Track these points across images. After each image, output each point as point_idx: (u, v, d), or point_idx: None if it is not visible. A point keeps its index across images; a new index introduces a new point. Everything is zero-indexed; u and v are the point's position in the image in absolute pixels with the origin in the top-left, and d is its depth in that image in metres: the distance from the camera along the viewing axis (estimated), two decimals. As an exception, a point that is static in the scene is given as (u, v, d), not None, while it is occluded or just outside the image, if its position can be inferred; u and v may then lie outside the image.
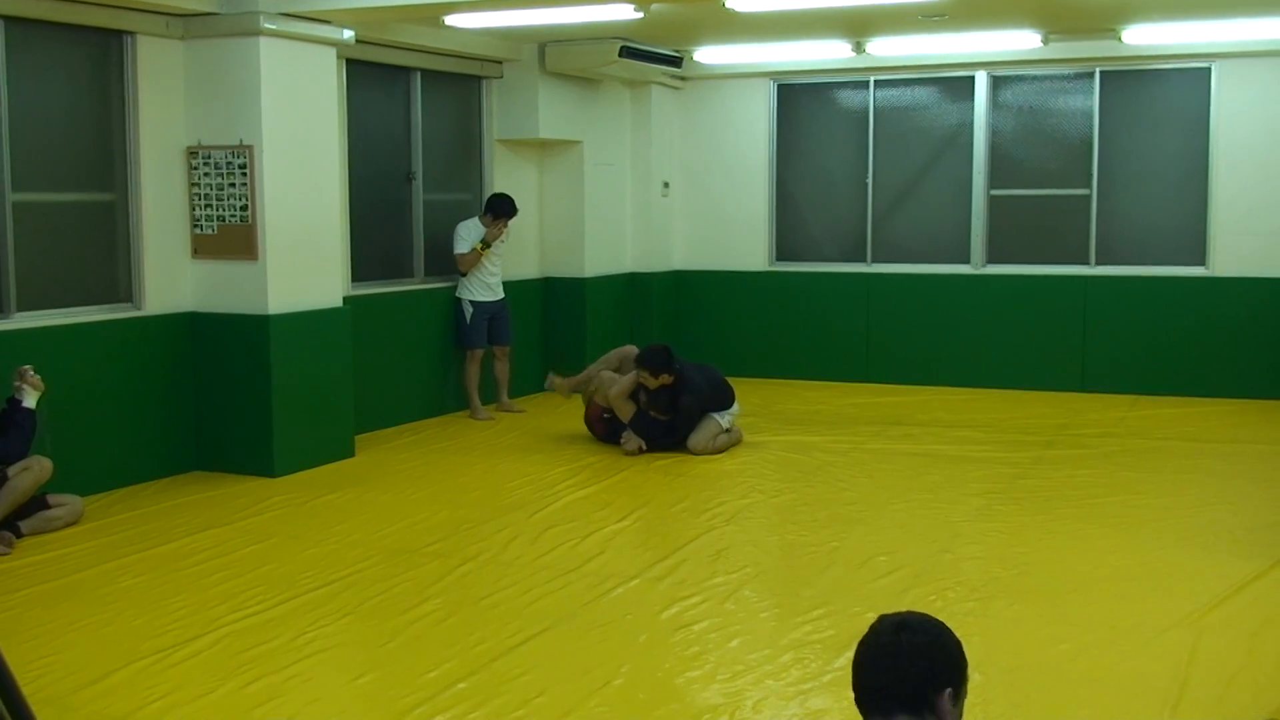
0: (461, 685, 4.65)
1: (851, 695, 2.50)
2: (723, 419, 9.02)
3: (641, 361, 8.86)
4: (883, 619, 2.50)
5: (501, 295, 10.46)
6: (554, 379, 9.78)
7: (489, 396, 10.57)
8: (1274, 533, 6.66)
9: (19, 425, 6.75)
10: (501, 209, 10.20)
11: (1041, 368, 11.40)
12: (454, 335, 10.41)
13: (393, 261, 10.19)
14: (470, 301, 10.27)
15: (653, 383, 8.79)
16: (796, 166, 12.37)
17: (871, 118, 11.94)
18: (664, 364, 8.78)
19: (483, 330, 10.34)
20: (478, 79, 10.87)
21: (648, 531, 6.93)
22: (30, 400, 6.80)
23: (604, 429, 9.19)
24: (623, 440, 8.91)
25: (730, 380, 9.38)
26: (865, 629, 2.54)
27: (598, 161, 11.75)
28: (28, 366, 6.85)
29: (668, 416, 8.84)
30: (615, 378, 9.18)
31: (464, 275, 10.25)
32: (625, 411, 8.97)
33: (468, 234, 10.19)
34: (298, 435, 8.34)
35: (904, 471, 8.33)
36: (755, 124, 12.37)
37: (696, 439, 8.87)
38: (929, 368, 11.75)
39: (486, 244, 10.14)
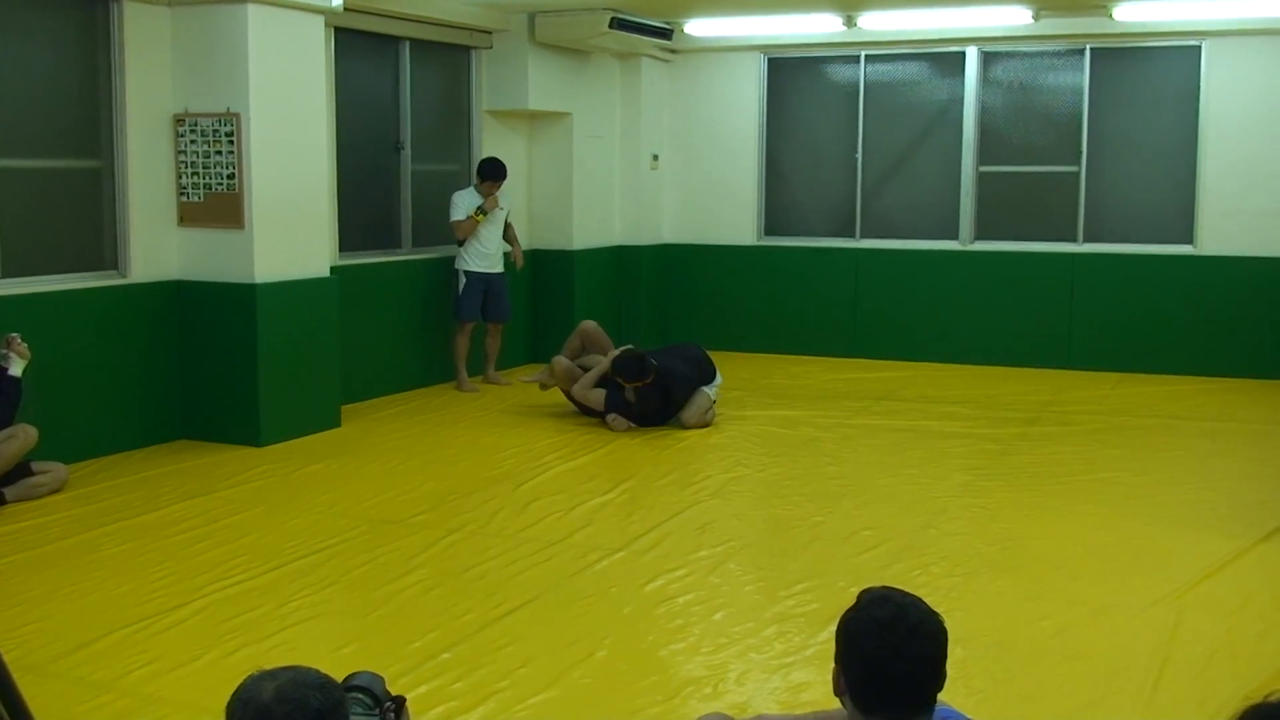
0: (445, 655, 4.66)
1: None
2: (711, 391, 9.02)
3: (617, 373, 8.80)
4: (881, 618, 2.39)
5: (500, 269, 10.40)
6: (524, 380, 9.79)
7: (477, 368, 10.55)
8: (1257, 511, 6.69)
9: (4, 393, 6.74)
10: (490, 172, 10.15)
11: (1028, 344, 11.41)
12: (450, 305, 10.39)
13: (380, 231, 10.16)
14: (464, 272, 10.23)
15: (631, 392, 8.76)
16: (786, 141, 12.35)
17: (862, 92, 11.91)
18: (638, 370, 8.71)
19: (476, 302, 10.29)
20: (467, 49, 10.82)
21: (633, 504, 6.93)
22: (16, 369, 6.79)
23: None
24: (609, 421, 8.88)
25: (718, 354, 9.37)
26: (849, 603, 2.50)
27: (587, 133, 11.71)
28: (15, 335, 6.83)
29: (657, 408, 8.83)
30: (572, 368, 9.17)
31: (460, 244, 10.22)
32: (596, 400, 8.95)
33: (463, 201, 10.16)
34: (284, 405, 8.33)
35: (889, 447, 8.35)
36: (745, 97, 12.34)
37: (690, 413, 8.86)
38: (916, 343, 11.76)
39: (484, 211, 10.11)
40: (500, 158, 10.39)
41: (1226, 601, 5.31)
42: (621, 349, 9.10)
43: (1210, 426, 9.00)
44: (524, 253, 10.83)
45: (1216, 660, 4.65)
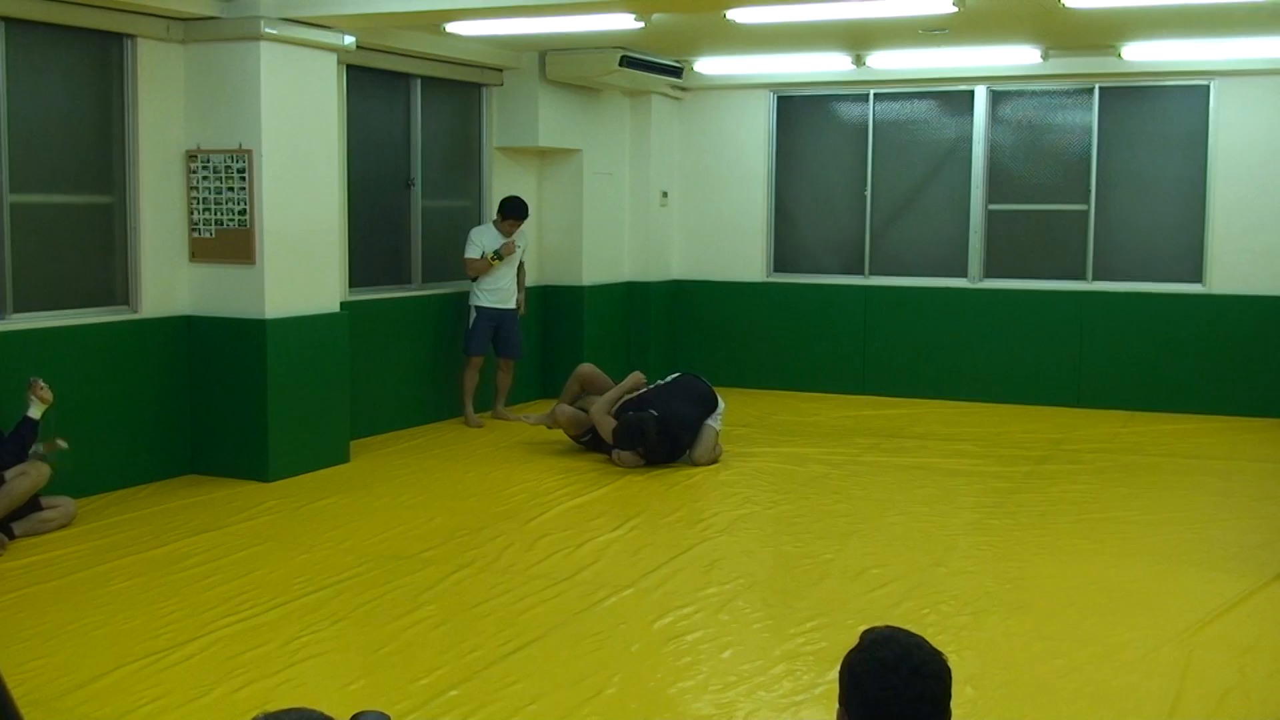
0: (453, 692, 4.64)
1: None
2: (715, 422, 9.00)
3: (620, 445, 8.78)
4: (884, 658, 2.37)
5: (511, 306, 10.42)
6: (528, 420, 9.78)
7: (486, 404, 10.56)
8: (1267, 551, 6.66)
9: (18, 434, 6.76)
10: (512, 211, 10.19)
11: (1037, 382, 11.40)
12: (461, 340, 10.42)
13: (390, 268, 10.19)
14: (475, 307, 10.26)
15: (642, 450, 8.76)
16: (795, 178, 12.38)
17: (871, 131, 11.95)
18: (639, 437, 8.67)
19: (485, 337, 10.31)
20: (478, 86, 10.88)
21: (642, 541, 6.92)
22: (36, 411, 6.80)
23: (593, 444, 9.16)
24: (616, 457, 8.81)
25: (726, 390, 9.35)
26: (857, 643, 2.49)
27: (597, 170, 11.75)
28: (38, 378, 6.84)
29: (666, 455, 8.82)
30: (576, 413, 9.19)
31: (473, 280, 10.25)
32: (606, 427, 8.92)
33: (479, 239, 10.18)
34: (293, 440, 8.33)
35: (899, 484, 8.33)
36: (754, 135, 12.38)
37: (699, 451, 8.85)
38: (925, 381, 11.75)
39: (500, 256, 10.13)
40: (512, 195, 10.42)
41: (1238, 641, 5.28)
42: (622, 399, 9.04)
43: (1220, 465, 8.97)
44: (533, 289, 10.86)
45: (1229, 700, 4.62)
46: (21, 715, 2.22)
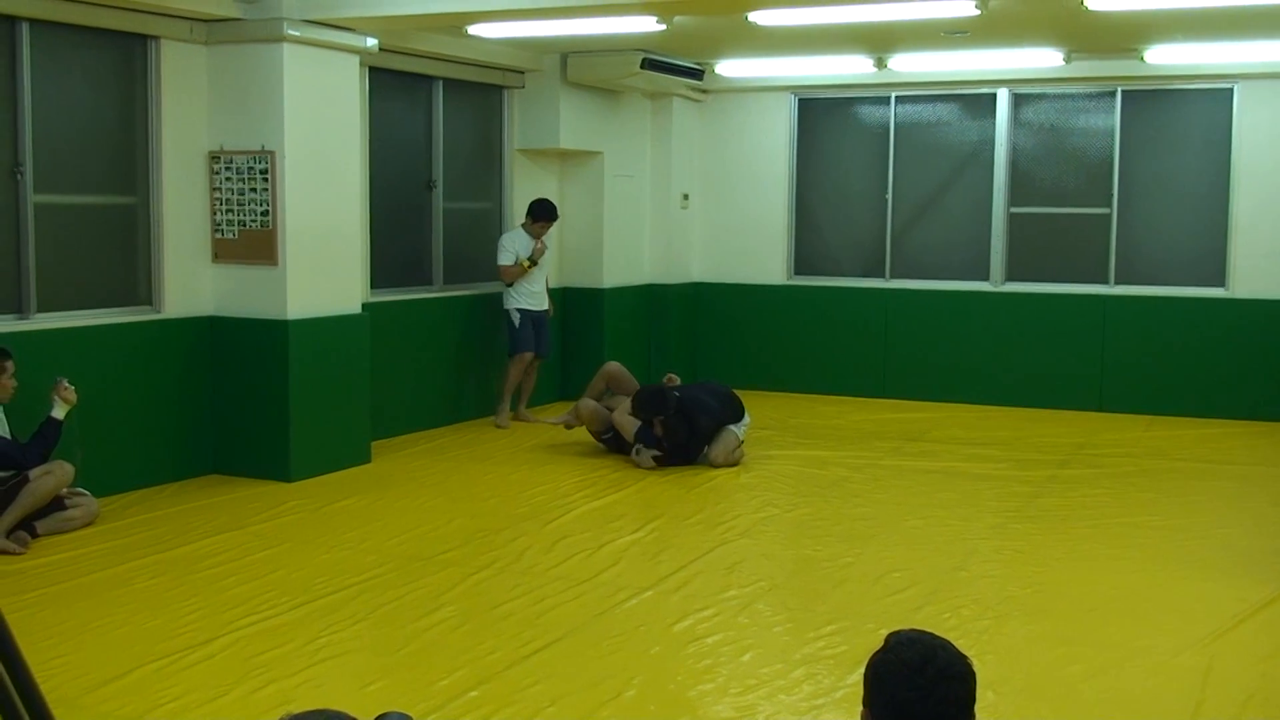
0: (473, 693, 4.65)
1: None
2: (739, 430, 9.00)
3: (637, 410, 8.84)
4: (910, 660, 2.34)
5: (545, 306, 10.53)
6: (549, 421, 9.78)
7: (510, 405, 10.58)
8: (1291, 556, 6.63)
9: (41, 434, 6.79)
10: (541, 213, 10.26)
11: (1059, 387, 11.36)
12: (504, 344, 10.47)
13: (412, 269, 10.22)
14: (517, 310, 10.34)
15: (658, 426, 8.76)
16: (816, 180, 12.37)
17: (892, 133, 11.93)
18: (658, 406, 8.76)
19: (530, 335, 10.40)
20: (499, 88, 10.90)
21: (662, 543, 6.92)
22: (59, 411, 6.84)
23: (614, 443, 9.18)
24: (636, 456, 8.85)
25: (747, 393, 9.37)
26: (878, 646, 2.48)
27: (618, 172, 11.76)
28: (63, 378, 6.88)
29: (684, 440, 8.82)
30: (599, 409, 9.23)
31: (509, 286, 10.30)
32: (628, 428, 8.93)
33: (510, 244, 10.26)
34: (314, 440, 8.36)
35: (919, 488, 8.31)
36: (776, 137, 12.37)
37: (717, 452, 8.85)
38: (946, 384, 11.71)
39: (534, 261, 10.20)
40: (532, 196, 10.44)
41: (1259, 647, 5.26)
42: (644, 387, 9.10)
43: (1242, 470, 8.93)
44: (554, 290, 10.90)
45: (1250, 706, 4.60)
46: (50, 712, 2.23)
